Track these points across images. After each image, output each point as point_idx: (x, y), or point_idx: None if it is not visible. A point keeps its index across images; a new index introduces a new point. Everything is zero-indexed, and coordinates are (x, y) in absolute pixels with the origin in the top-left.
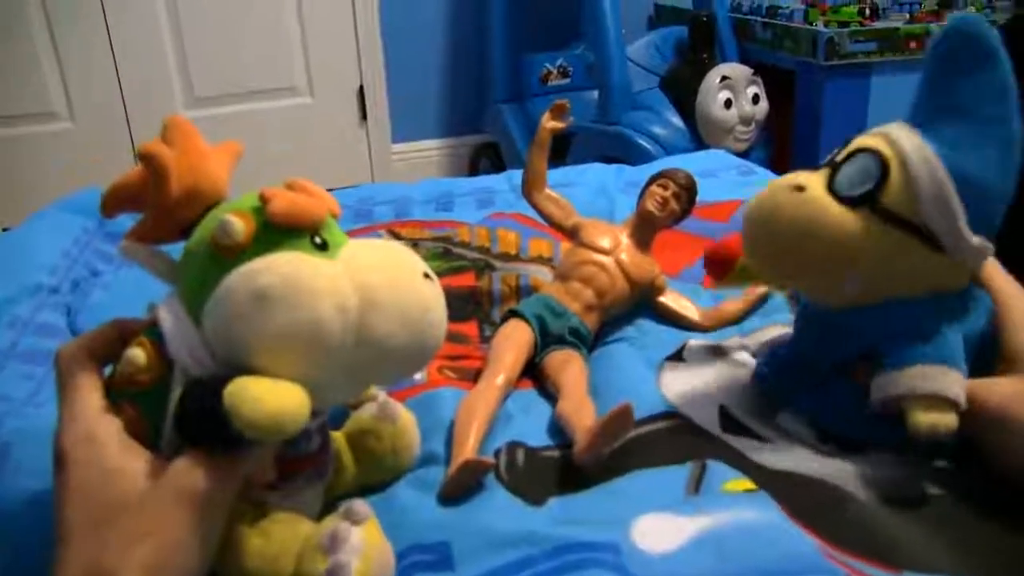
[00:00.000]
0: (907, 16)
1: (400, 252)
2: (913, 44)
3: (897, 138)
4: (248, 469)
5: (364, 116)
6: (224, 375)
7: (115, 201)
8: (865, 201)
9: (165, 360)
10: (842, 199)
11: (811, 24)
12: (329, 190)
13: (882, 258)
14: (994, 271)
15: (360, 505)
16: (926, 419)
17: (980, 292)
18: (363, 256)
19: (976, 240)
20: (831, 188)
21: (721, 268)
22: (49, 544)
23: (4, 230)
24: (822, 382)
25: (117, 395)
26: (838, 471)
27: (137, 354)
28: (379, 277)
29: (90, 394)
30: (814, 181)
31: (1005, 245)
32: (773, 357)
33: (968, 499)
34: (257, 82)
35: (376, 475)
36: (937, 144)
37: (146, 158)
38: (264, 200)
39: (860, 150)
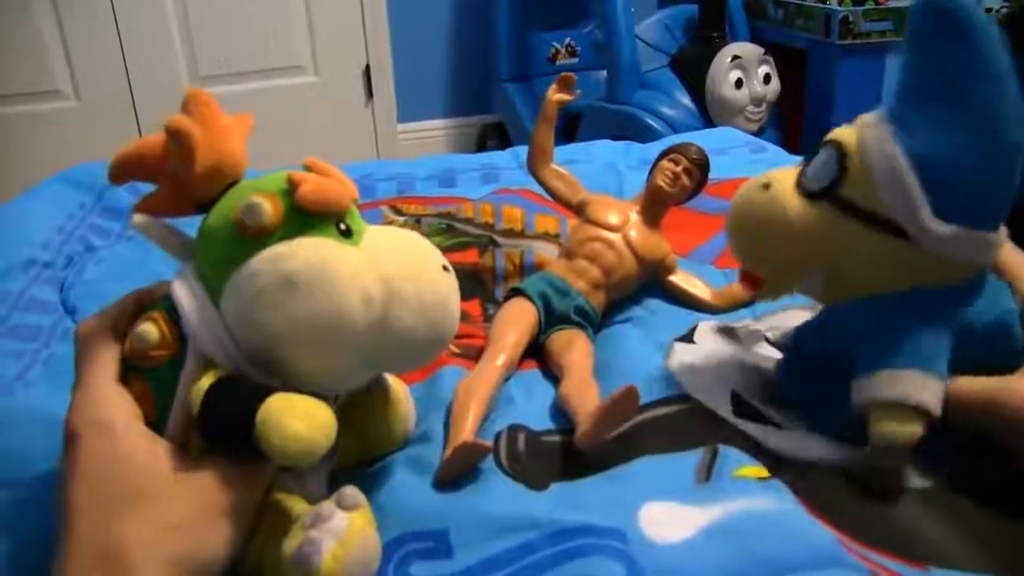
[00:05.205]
0: None
1: (419, 242)
2: None
3: (861, 126)
4: (273, 476)
5: (370, 95)
6: (254, 386)
7: (124, 169)
8: (826, 194)
9: (179, 337)
10: (807, 194)
11: (824, 2)
12: None
13: (842, 252)
14: (1015, 261)
15: (353, 491)
16: (882, 429)
17: (995, 285)
18: (385, 245)
19: (946, 229)
20: (800, 183)
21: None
22: (39, 528)
23: None
24: (826, 388)
25: (127, 368)
26: (852, 460)
27: (150, 330)
28: (401, 268)
29: (106, 373)
30: (782, 178)
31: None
32: (786, 364)
33: (978, 491)
34: (262, 61)
35: (371, 449)
36: (904, 130)
37: (174, 133)
38: (293, 184)
39: (826, 142)
